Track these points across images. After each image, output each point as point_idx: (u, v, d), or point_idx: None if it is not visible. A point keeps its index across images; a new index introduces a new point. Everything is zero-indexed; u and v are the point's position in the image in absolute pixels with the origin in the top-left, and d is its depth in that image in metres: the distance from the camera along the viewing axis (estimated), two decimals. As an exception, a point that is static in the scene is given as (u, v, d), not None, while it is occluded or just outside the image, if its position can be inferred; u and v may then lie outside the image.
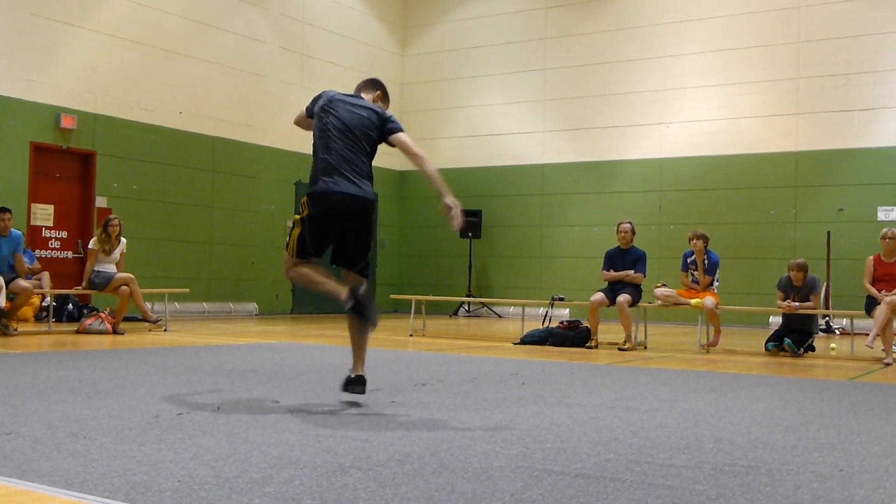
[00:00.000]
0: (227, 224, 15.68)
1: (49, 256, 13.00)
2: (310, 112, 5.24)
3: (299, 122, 5.43)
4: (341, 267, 5.16)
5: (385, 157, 18.97)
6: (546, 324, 11.03)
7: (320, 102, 5.18)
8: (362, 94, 5.34)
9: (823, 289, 13.70)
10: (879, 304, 9.00)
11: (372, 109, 5.19)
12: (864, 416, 4.99)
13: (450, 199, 4.96)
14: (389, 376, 6.54)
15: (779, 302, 9.85)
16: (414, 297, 12.30)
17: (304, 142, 17.63)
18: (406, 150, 5.18)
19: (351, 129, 5.07)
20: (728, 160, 16.22)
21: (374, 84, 5.44)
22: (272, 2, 16.68)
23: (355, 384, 4.98)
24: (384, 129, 5.16)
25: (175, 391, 5.42)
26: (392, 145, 5.23)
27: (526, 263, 18.13)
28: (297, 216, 5.12)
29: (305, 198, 5.09)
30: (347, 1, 18.39)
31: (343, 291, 4.86)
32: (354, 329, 5.17)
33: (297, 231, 5.08)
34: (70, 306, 12.45)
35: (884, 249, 9.33)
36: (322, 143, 5.08)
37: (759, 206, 15.91)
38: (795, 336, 9.61)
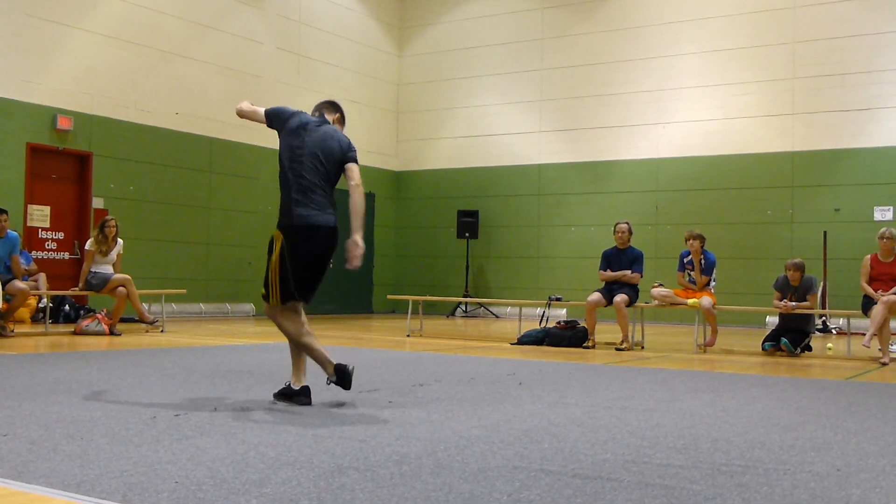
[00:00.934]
0: (224, 225, 15.67)
1: (45, 258, 12.99)
2: (271, 121, 5.17)
3: (248, 116, 5.27)
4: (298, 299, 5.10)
5: (383, 158, 19.00)
6: (543, 324, 11.03)
7: (292, 124, 5.11)
8: (325, 115, 5.33)
9: (820, 288, 13.70)
10: (876, 303, 9.01)
11: (337, 139, 5.20)
12: (860, 416, 5.00)
13: (358, 238, 5.09)
14: (387, 377, 6.54)
15: (775, 302, 9.86)
16: (411, 298, 12.30)
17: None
18: (350, 178, 5.18)
19: (322, 160, 5.08)
20: (724, 160, 16.23)
21: (334, 106, 5.45)
22: (269, 3, 16.68)
23: (303, 395, 5.02)
24: (345, 158, 5.19)
25: (172, 392, 5.42)
26: (341, 171, 5.26)
27: (523, 264, 18.14)
28: (275, 256, 4.99)
29: (278, 232, 5.01)
30: (344, 2, 18.39)
31: (330, 368, 4.96)
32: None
33: (275, 273, 4.97)
34: (67, 307, 12.43)
35: (881, 249, 9.34)
36: (294, 171, 5.03)
37: (756, 206, 15.93)
38: (792, 336, 9.62)
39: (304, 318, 5.14)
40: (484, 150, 18.64)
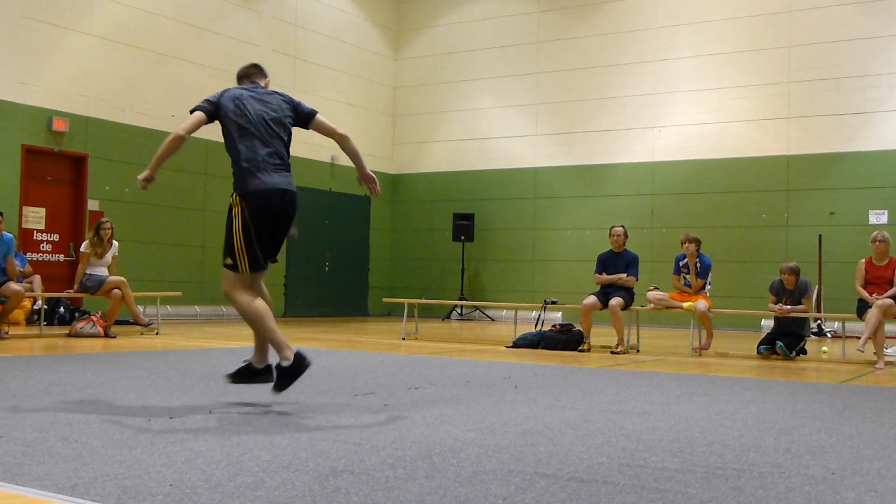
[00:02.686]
0: (220, 227, 15.57)
1: (40, 259, 12.97)
2: (208, 112, 5.04)
3: (193, 128, 5.07)
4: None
5: (379, 161, 19.00)
6: (539, 327, 11.03)
7: (226, 101, 5.02)
8: (258, 82, 5.26)
9: (815, 292, 13.73)
10: (871, 307, 9.02)
11: (280, 96, 5.17)
12: (855, 420, 5.00)
13: (371, 173, 5.25)
14: (382, 380, 6.53)
15: (771, 305, 9.87)
16: (407, 301, 12.29)
17: (297, 144, 17.61)
18: (330, 133, 5.20)
19: (268, 122, 5.02)
20: (720, 164, 16.26)
21: (260, 69, 5.36)
22: (265, 5, 16.68)
23: (268, 374, 4.95)
24: (299, 114, 5.17)
25: (167, 395, 5.41)
26: (309, 128, 5.22)
27: (519, 267, 18.15)
28: (237, 223, 4.88)
29: (237, 198, 4.90)
30: (340, 4, 18.40)
31: (289, 353, 4.74)
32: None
33: (240, 241, 4.87)
34: (62, 310, 12.40)
35: (875, 253, 9.36)
36: (243, 140, 4.95)
37: (751, 209, 15.96)
38: (787, 339, 9.64)
39: (264, 293, 5.03)
40: (480, 154, 18.65)
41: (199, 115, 5.04)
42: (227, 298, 5.03)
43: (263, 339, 5.01)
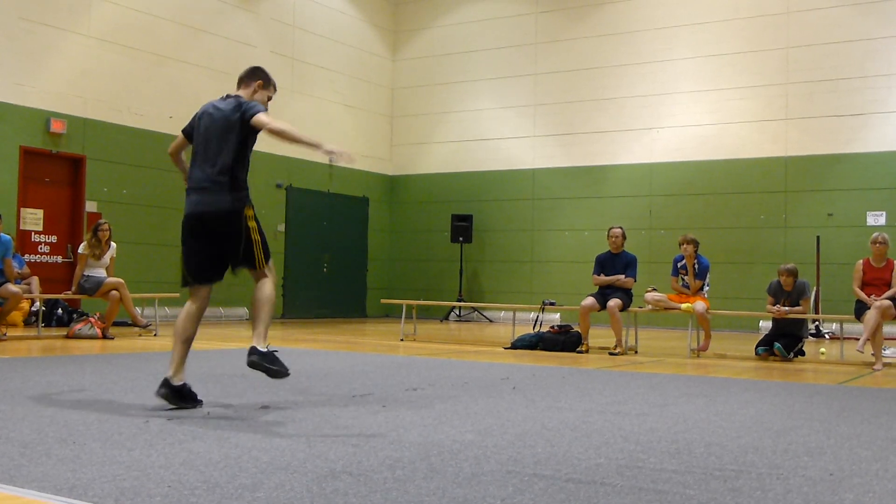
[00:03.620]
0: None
1: (38, 261, 12.95)
2: (187, 133, 5.22)
3: (176, 150, 5.29)
4: (244, 270, 5.13)
5: (377, 162, 19.00)
6: (537, 328, 11.04)
7: (194, 122, 5.18)
8: (239, 91, 5.24)
9: (813, 293, 13.74)
10: (869, 308, 9.03)
11: (229, 103, 5.05)
12: (853, 421, 5.01)
13: (329, 146, 4.89)
14: (380, 381, 6.53)
15: (769, 306, 9.88)
16: (405, 302, 12.29)
17: (294, 146, 17.61)
18: (270, 132, 4.91)
19: (208, 136, 5.03)
20: (718, 165, 16.27)
21: (252, 74, 5.28)
22: (263, 6, 16.68)
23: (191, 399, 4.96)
24: (243, 118, 4.94)
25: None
26: (257, 130, 4.98)
27: (517, 268, 18.15)
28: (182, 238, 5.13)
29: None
30: (338, 5, 18.40)
31: (180, 375, 4.88)
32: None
33: (181, 254, 5.13)
34: (59, 311, 12.39)
35: (873, 254, 9.36)
36: (193, 158, 5.09)
37: (749, 210, 15.96)
38: (785, 340, 9.64)
39: (206, 299, 5.12)
40: (478, 155, 18.65)
41: (180, 135, 5.28)
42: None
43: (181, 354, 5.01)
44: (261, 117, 4.91)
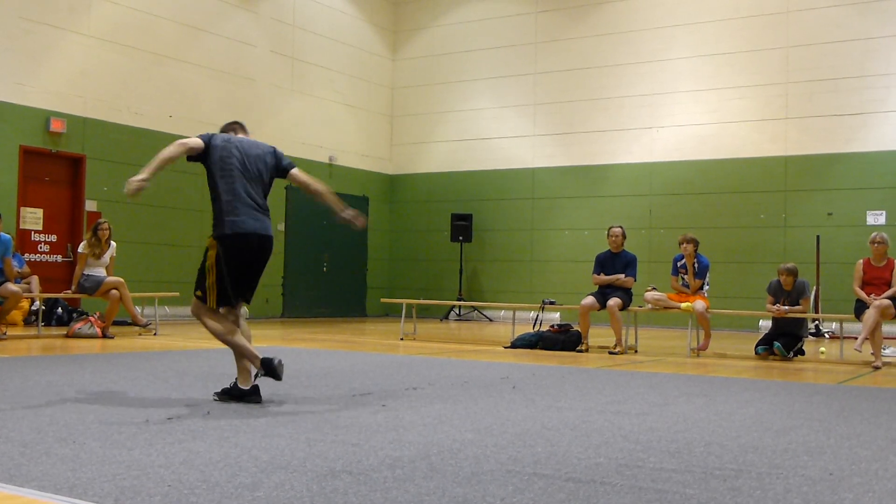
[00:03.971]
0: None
1: (38, 260, 12.95)
2: (206, 143, 5.28)
3: (177, 159, 5.36)
4: (238, 299, 5.34)
5: (376, 161, 19.00)
6: (537, 328, 11.04)
7: (217, 142, 5.29)
8: (239, 133, 5.55)
9: (813, 292, 13.74)
10: (868, 307, 9.03)
11: (265, 147, 5.45)
12: (853, 420, 5.01)
13: (349, 212, 5.57)
14: (380, 380, 6.53)
15: (768, 306, 9.88)
16: (405, 301, 12.29)
17: (294, 145, 17.68)
18: (306, 187, 5.54)
19: (249, 169, 5.27)
20: (718, 164, 16.27)
21: (242, 126, 5.66)
22: (263, 6, 16.68)
23: (254, 394, 5.16)
24: (280, 167, 5.46)
25: (165, 395, 5.41)
26: (286, 178, 5.51)
27: (516, 267, 18.15)
28: (209, 262, 5.22)
29: (213, 240, 5.20)
30: (338, 5, 18.39)
31: (257, 363, 5.07)
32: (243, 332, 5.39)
33: (212, 278, 5.20)
34: (59, 310, 12.39)
35: (873, 253, 9.37)
36: (225, 183, 5.20)
37: (749, 210, 15.97)
38: (785, 340, 9.64)
39: (238, 316, 5.38)
40: (478, 154, 18.65)
41: (198, 141, 5.33)
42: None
43: (244, 355, 5.21)
44: (300, 172, 5.51)
